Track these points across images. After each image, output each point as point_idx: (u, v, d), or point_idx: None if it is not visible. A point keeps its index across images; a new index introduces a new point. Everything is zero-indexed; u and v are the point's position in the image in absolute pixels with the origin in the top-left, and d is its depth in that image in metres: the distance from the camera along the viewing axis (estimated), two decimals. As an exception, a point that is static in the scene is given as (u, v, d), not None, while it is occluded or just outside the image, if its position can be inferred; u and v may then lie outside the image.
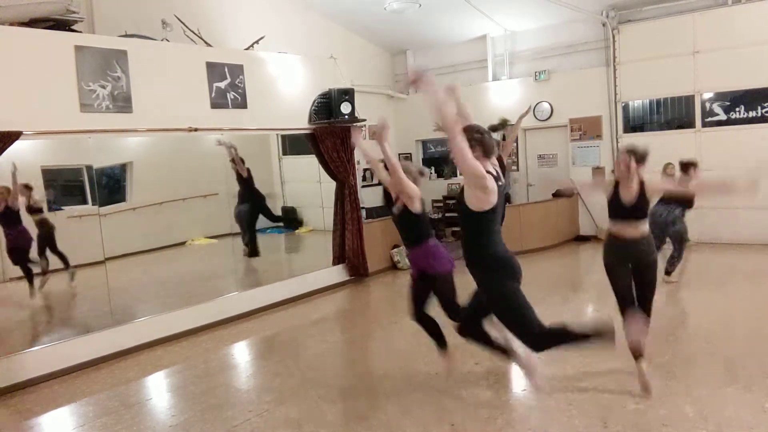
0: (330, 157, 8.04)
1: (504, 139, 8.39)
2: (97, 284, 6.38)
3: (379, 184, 11.92)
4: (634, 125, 10.21)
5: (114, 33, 6.51)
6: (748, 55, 8.85)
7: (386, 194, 4.40)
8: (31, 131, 5.30)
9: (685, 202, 6.82)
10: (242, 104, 7.17)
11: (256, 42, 7.91)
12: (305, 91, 7.95)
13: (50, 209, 7.45)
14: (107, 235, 6.39)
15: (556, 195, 10.49)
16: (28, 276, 7.04)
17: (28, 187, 6.95)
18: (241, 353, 5.93)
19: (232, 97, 7.06)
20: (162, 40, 6.94)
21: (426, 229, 4.43)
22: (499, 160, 5.99)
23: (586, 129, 10.47)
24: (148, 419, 4.33)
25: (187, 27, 7.42)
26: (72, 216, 7.57)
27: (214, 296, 6.93)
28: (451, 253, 4.50)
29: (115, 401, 4.67)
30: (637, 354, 4.09)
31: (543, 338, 3.59)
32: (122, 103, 5.95)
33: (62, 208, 7.73)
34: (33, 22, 5.58)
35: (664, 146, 9.67)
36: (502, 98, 11.32)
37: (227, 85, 7.01)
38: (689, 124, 9.55)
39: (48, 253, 7.22)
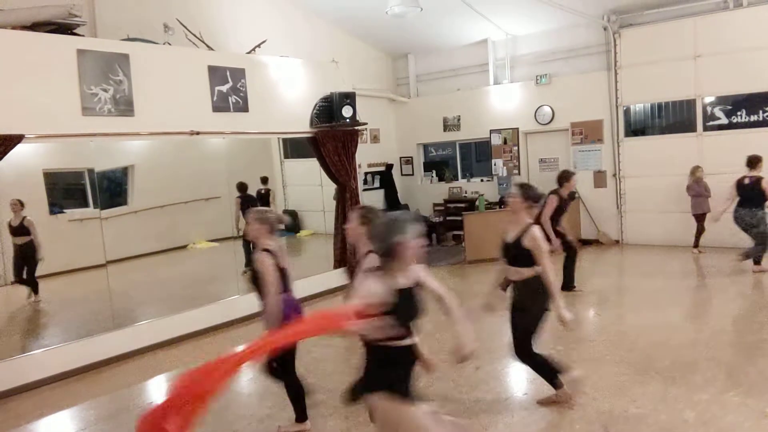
0: (331, 161, 8.05)
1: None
2: (99, 288, 6.38)
3: (380, 187, 11.96)
4: (635, 129, 10.21)
5: (116, 37, 6.53)
6: (749, 59, 8.84)
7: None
8: (33, 134, 5.32)
9: (764, 199, 7.13)
10: (244, 108, 7.18)
11: (258, 46, 7.93)
12: (307, 95, 7.97)
13: (52, 212, 7.45)
14: (109, 239, 6.40)
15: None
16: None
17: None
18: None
19: (234, 100, 7.08)
20: (164, 43, 6.96)
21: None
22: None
23: (587, 133, 10.47)
24: (149, 423, 4.33)
25: (189, 31, 7.44)
26: (73, 219, 7.58)
27: (216, 299, 6.93)
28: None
29: (116, 405, 4.67)
30: None
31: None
32: (124, 106, 5.96)
33: (64, 211, 7.74)
34: (35, 26, 5.60)
35: (665, 150, 9.70)
36: (503, 102, 11.33)
37: (229, 89, 7.02)
38: (691, 128, 9.54)
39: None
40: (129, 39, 6.51)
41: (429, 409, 2.77)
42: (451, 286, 8.28)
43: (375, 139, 11.84)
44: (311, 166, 8.51)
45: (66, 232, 7.52)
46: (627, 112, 10.17)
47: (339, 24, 10.63)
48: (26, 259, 6.85)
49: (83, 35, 6.12)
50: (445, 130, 12.16)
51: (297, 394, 3.95)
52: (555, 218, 6.76)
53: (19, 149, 5.21)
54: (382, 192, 11.96)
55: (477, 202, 11.06)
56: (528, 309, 3.96)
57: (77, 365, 5.46)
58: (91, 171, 6.94)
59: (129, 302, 7.03)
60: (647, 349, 5.06)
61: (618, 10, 9.81)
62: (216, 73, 6.89)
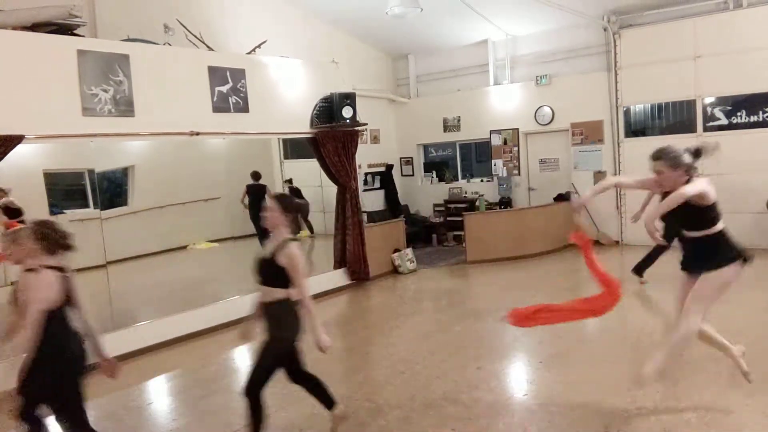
0: (331, 161, 8.04)
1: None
2: (99, 288, 6.38)
3: (381, 187, 11.94)
4: (635, 130, 10.21)
5: (116, 37, 6.53)
6: (749, 60, 8.85)
7: None
8: (33, 135, 5.31)
9: None
10: (244, 108, 7.18)
11: (258, 46, 7.93)
12: (307, 96, 7.96)
13: (52, 213, 7.46)
14: (109, 239, 6.39)
15: (558, 199, 10.50)
16: None
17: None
18: (242, 357, 5.92)
19: (234, 101, 7.07)
20: (164, 44, 6.96)
21: None
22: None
23: (587, 133, 10.47)
24: (149, 423, 4.33)
25: (189, 31, 7.44)
26: (74, 220, 7.58)
27: (215, 300, 6.92)
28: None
29: (115, 405, 4.66)
30: None
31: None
32: (124, 107, 5.96)
33: (64, 211, 7.74)
34: (36, 27, 5.60)
35: (665, 151, 9.69)
36: (503, 102, 11.33)
37: (229, 89, 7.02)
38: (691, 128, 9.54)
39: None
40: (129, 39, 6.51)
41: None
42: (452, 286, 8.29)
43: (375, 139, 11.84)
44: (311, 166, 8.51)
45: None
46: (627, 112, 10.17)
47: (339, 24, 10.63)
48: None
49: (83, 36, 6.12)
50: (445, 131, 12.16)
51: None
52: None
53: (19, 149, 5.21)
54: (382, 192, 11.96)
55: (477, 203, 11.06)
56: (275, 338, 3.57)
57: (77, 366, 5.45)
58: (91, 171, 6.95)
59: (129, 303, 7.03)
60: (648, 349, 5.05)
61: (618, 10, 9.81)
62: (216, 74, 6.89)
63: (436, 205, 12.11)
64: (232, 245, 9.55)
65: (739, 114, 9.15)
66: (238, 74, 7.12)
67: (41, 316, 3.15)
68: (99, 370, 3.50)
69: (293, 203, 3.66)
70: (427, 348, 5.49)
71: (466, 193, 11.91)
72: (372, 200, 11.46)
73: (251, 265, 3.67)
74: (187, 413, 4.41)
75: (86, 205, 7.57)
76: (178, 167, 8.65)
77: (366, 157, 11.19)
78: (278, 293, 3.53)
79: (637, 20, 9.86)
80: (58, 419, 3.34)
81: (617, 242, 10.32)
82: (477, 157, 14.14)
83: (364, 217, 9.07)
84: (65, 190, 8.03)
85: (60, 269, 3.31)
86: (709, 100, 9.37)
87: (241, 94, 7.15)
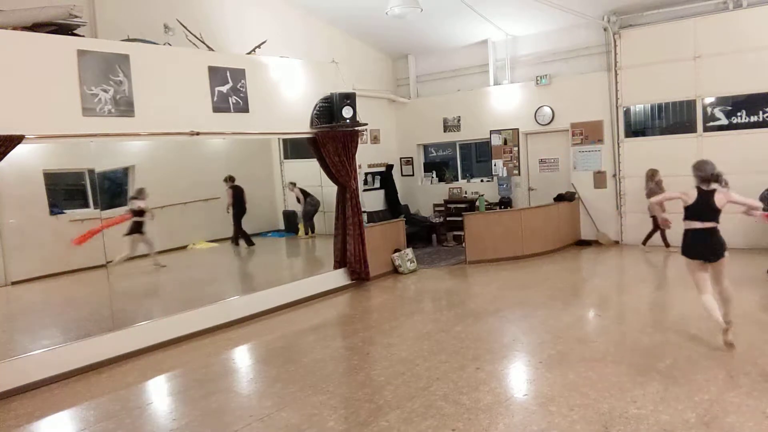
0: (331, 161, 8.05)
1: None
2: (99, 288, 6.38)
3: (381, 187, 11.95)
4: (635, 130, 10.21)
5: (116, 37, 6.53)
6: (749, 60, 8.86)
7: None
8: (33, 135, 5.31)
9: None
10: (244, 108, 7.18)
11: (258, 46, 7.93)
12: (307, 96, 7.97)
13: (52, 213, 7.46)
14: (108, 239, 6.40)
15: (558, 199, 10.50)
16: None
17: None
18: (242, 358, 5.92)
19: (234, 101, 7.08)
20: (164, 44, 6.96)
21: None
22: None
23: (587, 133, 10.48)
24: (149, 423, 4.33)
25: (189, 31, 7.45)
26: (74, 220, 7.59)
27: (215, 300, 6.92)
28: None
29: (115, 405, 4.67)
30: None
31: None
32: (124, 107, 5.96)
33: (64, 211, 7.74)
34: (36, 27, 5.60)
35: (665, 151, 9.71)
36: (503, 103, 11.34)
37: (229, 89, 7.02)
38: (691, 128, 9.54)
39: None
40: (129, 39, 6.51)
41: None
42: (452, 286, 8.28)
43: (375, 139, 11.85)
44: (311, 166, 8.52)
45: (66, 232, 7.52)
46: (627, 112, 10.17)
47: (339, 25, 10.64)
48: None
49: (83, 36, 6.12)
50: (445, 131, 12.16)
51: None
52: None
53: (19, 149, 5.20)
54: (382, 192, 11.97)
55: (477, 203, 11.06)
56: None
57: (77, 365, 5.45)
58: (91, 171, 6.96)
59: (128, 302, 7.03)
60: (648, 349, 5.06)
61: (618, 10, 9.81)
62: (216, 74, 6.90)
63: (436, 205, 12.12)
64: (232, 245, 9.56)
65: (739, 114, 9.16)
66: (238, 74, 7.13)
67: None
68: None
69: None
70: (427, 348, 5.50)
71: (466, 193, 11.92)
72: (372, 200, 11.47)
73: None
74: (187, 413, 4.41)
75: (86, 205, 7.59)
76: (178, 167, 8.65)
77: (366, 157, 11.20)
78: None
79: (637, 20, 9.86)
80: None
81: (616, 242, 10.33)
82: (477, 157, 14.14)
83: (365, 217, 9.08)
84: (65, 190, 8.04)
85: None
86: (709, 100, 9.37)
87: (241, 94, 7.15)
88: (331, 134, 8.02)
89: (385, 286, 8.52)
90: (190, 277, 8.74)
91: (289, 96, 7.78)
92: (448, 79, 12.09)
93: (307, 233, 10.49)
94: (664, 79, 9.60)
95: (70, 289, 7.55)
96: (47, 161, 7.24)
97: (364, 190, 11.06)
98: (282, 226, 10.94)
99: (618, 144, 10.18)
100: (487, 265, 9.36)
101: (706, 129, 9.41)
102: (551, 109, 10.77)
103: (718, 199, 4.82)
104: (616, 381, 4.38)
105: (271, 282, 7.84)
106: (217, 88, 6.90)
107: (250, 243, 9.83)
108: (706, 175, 4.86)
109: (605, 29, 10.06)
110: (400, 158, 12.72)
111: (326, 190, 8.84)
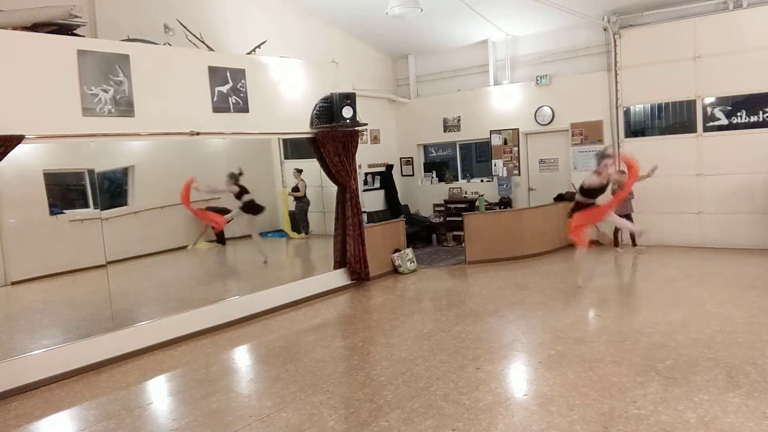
0: (331, 161, 8.05)
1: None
2: (99, 288, 6.38)
3: (381, 188, 11.95)
4: (635, 130, 10.21)
5: (116, 37, 6.54)
6: (749, 60, 8.86)
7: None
8: (33, 135, 5.31)
9: None
10: (244, 108, 7.19)
11: (258, 46, 7.93)
12: (307, 96, 7.97)
13: (52, 213, 7.45)
14: (109, 239, 6.39)
15: (558, 199, 10.50)
16: None
17: None
18: (242, 358, 5.93)
19: (234, 101, 7.08)
20: (164, 44, 6.96)
21: None
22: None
23: (587, 133, 10.48)
24: (149, 423, 4.33)
25: (189, 31, 7.45)
26: (74, 220, 7.58)
27: (215, 300, 6.93)
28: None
29: (115, 405, 4.67)
30: None
31: None
32: (124, 107, 5.96)
33: (64, 211, 7.74)
34: (36, 27, 5.60)
35: (665, 151, 9.70)
36: (503, 103, 11.34)
37: (229, 89, 7.02)
38: (691, 128, 9.54)
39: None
40: (129, 39, 6.51)
41: None
42: (452, 286, 8.29)
43: (375, 139, 11.85)
44: (311, 166, 8.52)
45: (66, 232, 7.51)
46: (627, 112, 10.17)
47: (339, 25, 10.64)
48: None
49: (83, 36, 6.12)
50: (445, 131, 12.17)
51: None
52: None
53: (19, 149, 5.21)
54: (382, 192, 11.97)
55: (477, 203, 11.07)
56: None
57: (77, 365, 5.46)
58: (91, 171, 6.95)
59: (129, 303, 7.03)
60: (648, 349, 5.06)
61: (618, 10, 9.81)
62: (216, 74, 6.90)
63: (436, 205, 12.12)
64: (232, 245, 9.52)
65: (739, 114, 9.16)
66: (238, 74, 7.13)
67: None
68: None
69: None
70: (427, 348, 5.50)
71: (466, 193, 11.92)
72: (372, 200, 11.47)
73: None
74: (188, 414, 4.41)
75: (86, 205, 7.57)
76: (178, 167, 8.64)
77: (366, 157, 11.20)
78: None
79: (637, 20, 9.86)
80: None
81: (616, 242, 10.30)
82: (477, 157, 14.14)
83: (364, 217, 9.08)
84: (65, 190, 8.03)
85: None
86: (709, 100, 9.37)
87: (241, 94, 7.16)
88: (331, 134, 8.02)
89: (385, 286, 8.53)
90: (191, 276, 8.74)
91: (289, 96, 7.78)
92: (448, 79, 12.09)
93: (299, 233, 10.43)
94: (664, 79, 9.60)
95: (70, 289, 7.54)
96: (47, 161, 7.23)
97: (364, 190, 11.06)
98: (282, 227, 10.93)
99: (618, 144, 10.18)
100: (486, 265, 9.36)
101: (706, 129, 9.41)
102: (551, 109, 10.77)
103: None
104: (616, 381, 4.38)
105: (271, 282, 7.84)
106: (217, 88, 6.90)
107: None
108: None
109: (605, 29, 10.06)
110: (400, 158, 12.72)
111: (326, 190, 8.84)
